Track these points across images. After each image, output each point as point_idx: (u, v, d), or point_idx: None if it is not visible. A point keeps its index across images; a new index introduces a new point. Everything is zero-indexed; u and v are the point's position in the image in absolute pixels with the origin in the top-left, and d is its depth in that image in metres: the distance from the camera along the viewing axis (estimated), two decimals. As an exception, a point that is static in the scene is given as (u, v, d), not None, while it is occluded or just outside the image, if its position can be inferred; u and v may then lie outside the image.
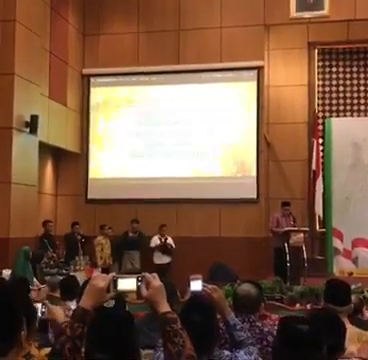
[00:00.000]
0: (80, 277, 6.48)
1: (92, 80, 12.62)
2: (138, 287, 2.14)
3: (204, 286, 2.86)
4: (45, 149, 11.01)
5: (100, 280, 2.10)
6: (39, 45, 10.31)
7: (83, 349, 2.04)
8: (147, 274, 2.17)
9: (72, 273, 8.95)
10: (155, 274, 2.17)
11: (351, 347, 3.41)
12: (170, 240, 11.30)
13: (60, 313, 2.86)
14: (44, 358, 2.53)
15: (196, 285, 2.82)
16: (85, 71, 12.56)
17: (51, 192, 12.24)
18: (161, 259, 11.20)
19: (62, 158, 12.37)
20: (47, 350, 2.61)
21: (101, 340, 2.05)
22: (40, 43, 10.36)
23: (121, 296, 3.42)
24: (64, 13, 11.97)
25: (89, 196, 12.33)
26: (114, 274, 2.16)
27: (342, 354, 2.82)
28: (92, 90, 12.62)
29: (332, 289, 3.82)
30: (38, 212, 10.50)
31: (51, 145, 11.36)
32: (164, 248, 11.22)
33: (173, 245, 11.26)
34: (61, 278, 6.77)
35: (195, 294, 2.82)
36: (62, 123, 11.78)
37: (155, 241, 11.28)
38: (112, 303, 3.08)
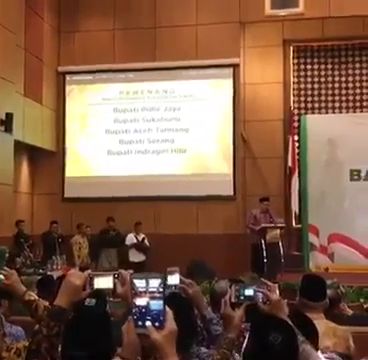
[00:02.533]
0: (57, 277, 6.42)
1: (68, 78, 12.52)
2: (114, 284, 2.15)
3: (181, 280, 2.86)
4: (20, 147, 10.90)
5: (76, 278, 2.07)
6: (14, 42, 10.20)
7: (60, 347, 2.03)
8: (123, 271, 2.16)
9: (49, 273, 8.88)
10: (131, 271, 2.17)
11: (326, 342, 3.45)
12: (146, 238, 11.26)
13: (16, 277, 2.78)
14: (14, 357, 2.51)
15: (173, 279, 2.82)
16: (61, 69, 12.45)
17: (27, 191, 12.13)
18: (137, 257, 11.18)
19: (38, 156, 12.25)
20: (16, 346, 2.58)
21: (78, 338, 2.04)
22: (15, 40, 10.25)
23: (101, 294, 3.40)
24: (39, 10, 11.85)
25: (66, 195, 12.25)
26: (90, 272, 2.13)
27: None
28: (68, 88, 12.52)
29: (307, 285, 3.84)
30: (14, 211, 10.39)
31: (26, 143, 11.25)
32: (141, 246, 11.20)
33: (148, 243, 11.25)
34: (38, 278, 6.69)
35: (172, 290, 2.82)
36: (38, 121, 11.67)
37: (131, 239, 11.24)
38: (93, 302, 3.06)
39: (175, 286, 2.82)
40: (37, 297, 2.69)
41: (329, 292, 4.48)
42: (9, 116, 9.54)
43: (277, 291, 2.47)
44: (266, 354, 1.91)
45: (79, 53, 12.32)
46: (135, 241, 11.21)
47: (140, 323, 1.52)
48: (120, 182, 11.95)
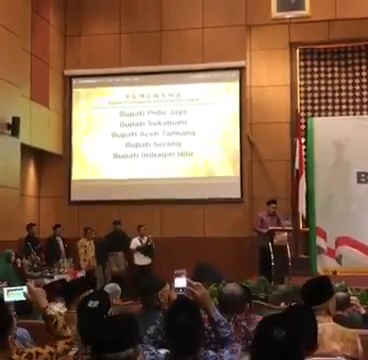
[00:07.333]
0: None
1: (74, 81, 12.55)
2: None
3: (188, 283, 2.84)
4: (27, 151, 10.92)
5: None
6: (20, 46, 10.22)
7: None
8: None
9: (56, 276, 8.90)
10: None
11: (335, 345, 3.43)
12: (150, 240, 11.22)
13: (38, 290, 2.86)
14: None
15: (180, 282, 2.80)
16: (67, 72, 12.49)
17: (34, 194, 12.14)
18: (143, 260, 11.16)
19: (44, 160, 12.28)
20: (28, 351, 2.59)
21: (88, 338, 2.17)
22: (21, 44, 10.27)
23: (105, 296, 3.40)
24: (45, 14, 11.89)
25: (72, 198, 12.26)
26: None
27: (314, 352, 2.87)
28: (74, 91, 12.55)
29: (305, 291, 3.84)
30: (21, 215, 10.39)
31: (33, 147, 11.27)
32: (144, 249, 11.17)
33: (153, 245, 11.20)
34: (47, 281, 6.69)
35: (180, 295, 2.80)
36: (44, 125, 11.70)
37: (135, 242, 11.21)
38: (96, 304, 3.05)
39: (182, 289, 2.80)
40: (57, 313, 2.79)
41: (338, 295, 4.45)
42: (16, 120, 9.56)
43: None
44: (270, 348, 2.00)
45: (85, 57, 12.34)
46: (139, 244, 11.19)
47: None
48: (127, 185, 11.95)
